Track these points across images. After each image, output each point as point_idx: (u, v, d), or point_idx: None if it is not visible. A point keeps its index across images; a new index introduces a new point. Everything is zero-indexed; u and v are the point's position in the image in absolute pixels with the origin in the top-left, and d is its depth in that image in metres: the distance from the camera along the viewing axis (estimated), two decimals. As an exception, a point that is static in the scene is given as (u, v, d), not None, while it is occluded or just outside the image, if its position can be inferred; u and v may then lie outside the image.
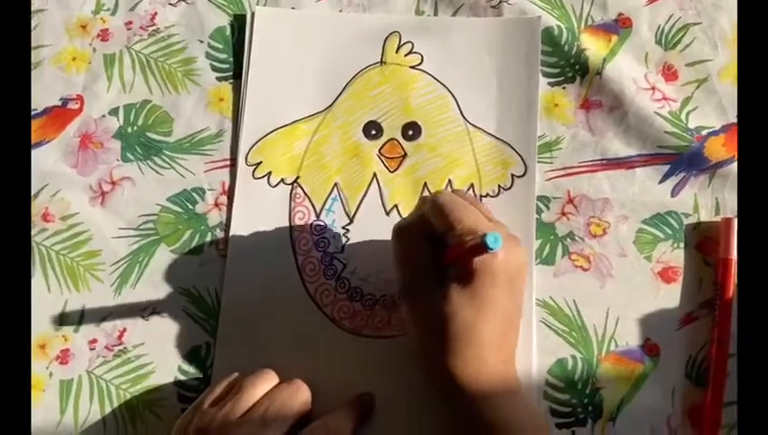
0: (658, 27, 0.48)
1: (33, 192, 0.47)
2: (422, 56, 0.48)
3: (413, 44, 0.48)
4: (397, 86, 0.47)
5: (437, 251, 0.38)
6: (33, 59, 0.49)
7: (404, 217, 0.44)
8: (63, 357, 0.44)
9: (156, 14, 0.50)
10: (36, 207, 0.46)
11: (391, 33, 0.48)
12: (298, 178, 0.46)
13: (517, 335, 0.39)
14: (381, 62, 0.48)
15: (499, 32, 0.47)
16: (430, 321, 0.37)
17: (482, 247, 0.33)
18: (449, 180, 0.46)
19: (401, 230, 0.39)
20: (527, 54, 0.47)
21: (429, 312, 0.37)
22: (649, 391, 0.42)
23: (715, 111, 0.46)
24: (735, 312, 0.42)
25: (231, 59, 0.49)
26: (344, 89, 0.47)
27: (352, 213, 0.46)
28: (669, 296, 0.44)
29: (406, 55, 0.48)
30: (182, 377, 0.44)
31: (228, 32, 0.49)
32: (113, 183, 0.47)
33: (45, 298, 0.45)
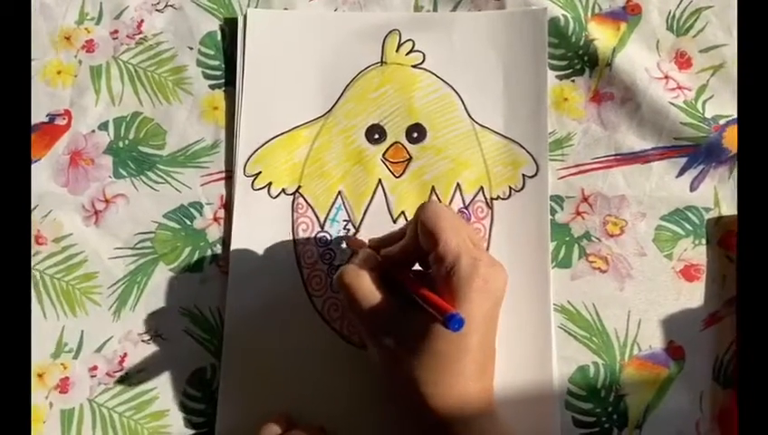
0: (669, 12, 0.46)
1: (23, 214, 0.45)
2: (424, 54, 0.45)
3: (414, 42, 0.46)
4: (399, 87, 0.45)
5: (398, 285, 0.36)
6: (17, 74, 0.47)
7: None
8: (63, 386, 0.43)
9: (142, 21, 0.48)
10: (27, 229, 0.45)
11: (390, 32, 0.46)
12: (300, 187, 0.44)
13: (495, 361, 0.37)
14: (381, 62, 0.46)
15: (504, 25, 0.45)
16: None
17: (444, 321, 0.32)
18: (458, 184, 0.44)
19: (347, 276, 0.36)
20: (534, 48, 0.45)
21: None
22: (676, 396, 0.40)
23: (732, 98, 0.44)
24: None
25: (223, 65, 0.47)
26: (344, 92, 0.45)
27: (358, 222, 0.44)
28: (692, 296, 0.42)
29: (407, 54, 0.45)
30: (188, 401, 0.42)
31: (219, 37, 0.47)
32: (107, 201, 0.45)
33: (41, 325, 0.43)
